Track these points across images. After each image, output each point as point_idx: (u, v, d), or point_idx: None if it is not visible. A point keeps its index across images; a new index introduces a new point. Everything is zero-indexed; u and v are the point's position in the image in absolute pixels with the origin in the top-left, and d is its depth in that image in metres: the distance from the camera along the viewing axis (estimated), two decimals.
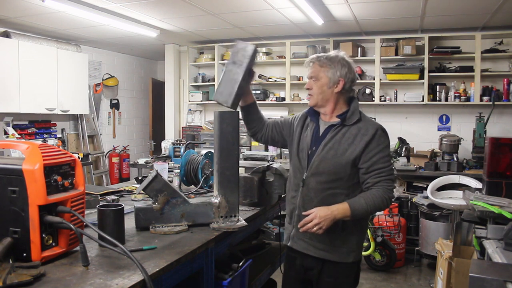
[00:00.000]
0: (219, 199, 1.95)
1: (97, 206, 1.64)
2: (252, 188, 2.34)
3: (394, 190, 4.88)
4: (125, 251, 1.31)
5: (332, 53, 1.97)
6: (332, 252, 1.95)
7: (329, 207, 1.84)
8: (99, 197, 2.35)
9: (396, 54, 5.32)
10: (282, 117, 2.29)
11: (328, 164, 1.90)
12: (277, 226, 4.47)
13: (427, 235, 4.33)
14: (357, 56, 5.49)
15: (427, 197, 4.24)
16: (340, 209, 1.83)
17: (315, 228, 1.81)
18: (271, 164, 2.41)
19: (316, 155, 1.94)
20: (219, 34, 5.77)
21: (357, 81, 6.20)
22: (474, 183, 4.13)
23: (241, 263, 2.18)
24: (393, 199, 1.95)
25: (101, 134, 6.76)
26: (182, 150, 4.01)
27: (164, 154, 5.12)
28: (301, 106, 6.04)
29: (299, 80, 5.90)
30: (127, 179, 6.74)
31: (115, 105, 7.16)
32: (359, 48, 5.49)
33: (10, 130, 5.08)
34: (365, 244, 4.34)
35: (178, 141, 5.50)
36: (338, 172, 1.89)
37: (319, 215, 1.81)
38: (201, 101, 6.40)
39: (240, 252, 2.45)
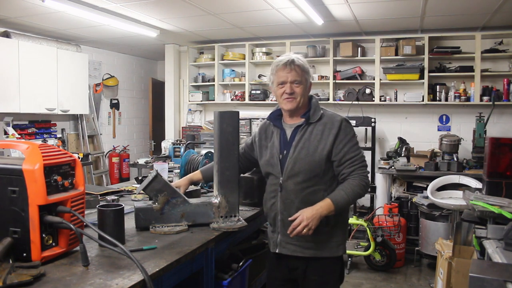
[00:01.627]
0: (219, 199, 1.95)
1: (97, 206, 1.64)
2: (252, 188, 2.34)
3: (394, 189, 4.94)
4: (125, 251, 1.31)
5: (295, 56, 1.97)
6: (321, 249, 1.96)
7: (312, 206, 1.86)
8: (99, 197, 2.35)
9: (396, 54, 5.32)
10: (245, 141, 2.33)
11: (303, 163, 1.92)
12: None
13: (427, 235, 4.33)
14: (357, 56, 5.49)
15: (427, 197, 4.24)
16: (324, 205, 1.86)
17: (304, 230, 1.83)
18: None
19: (289, 157, 1.95)
20: (219, 34, 5.77)
21: (357, 81, 6.17)
22: (474, 183, 4.13)
23: (241, 263, 2.18)
24: (369, 184, 1.99)
25: (101, 134, 6.76)
26: (182, 150, 4.01)
27: (164, 154, 5.12)
28: None
29: None
30: (127, 179, 6.73)
31: (115, 105, 7.16)
32: (359, 48, 5.49)
33: (10, 130, 5.08)
34: (365, 244, 4.34)
35: (178, 141, 5.51)
36: (314, 169, 1.92)
37: (305, 217, 1.83)
38: (201, 101, 6.40)
39: (240, 252, 2.45)
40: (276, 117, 2.07)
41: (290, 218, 1.88)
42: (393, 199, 4.94)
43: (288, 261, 2.04)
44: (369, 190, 2.05)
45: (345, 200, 1.88)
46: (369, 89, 5.44)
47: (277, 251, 2.04)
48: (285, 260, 2.04)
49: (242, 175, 2.32)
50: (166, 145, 5.45)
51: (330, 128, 1.93)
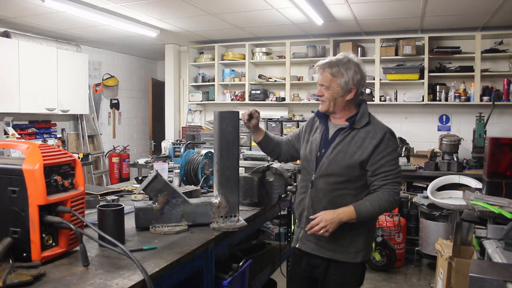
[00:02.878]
0: (219, 199, 1.95)
1: (97, 206, 1.64)
2: (252, 188, 2.34)
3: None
4: (125, 251, 1.31)
5: (343, 57, 1.94)
6: (340, 252, 1.97)
7: (335, 210, 1.87)
8: (99, 197, 2.35)
9: (396, 54, 5.32)
10: (292, 132, 2.33)
11: (337, 166, 1.92)
12: (277, 226, 4.47)
13: (427, 235, 4.32)
14: (357, 56, 5.48)
15: (427, 197, 4.23)
16: (346, 212, 1.86)
17: (321, 231, 1.85)
18: (271, 164, 2.41)
19: (325, 157, 1.96)
20: (219, 34, 5.77)
21: None
22: (474, 183, 4.13)
23: (241, 263, 2.18)
24: (398, 202, 1.98)
25: (101, 134, 6.76)
26: (182, 150, 4.01)
27: (164, 154, 5.12)
28: (301, 106, 6.04)
29: (299, 80, 5.90)
30: (127, 179, 6.73)
31: (115, 105, 7.16)
32: (359, 48, 5.49)
33: (10, 130, 5.08)
34: None
35: (178, 141, 5.51)
36: (347, 174, 1.92)
37: (325, 219, 1.85)
38: (201, 101, 6.40)
39: (240, 252, 2.45)
40: (323, 114, 2.06)
41: (311, 217, 1.91)
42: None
43: (309, 258, 2.06)
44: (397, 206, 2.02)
45: (368, 211, 1.87)
46: (369, 89, 5.44)
47: (297, 246, 2.08)
48: (307, 257, 2.07)
49: (241, 174, 2.32)
50: (166, 145, 5.45)
51: (372, 138, 1.91)
